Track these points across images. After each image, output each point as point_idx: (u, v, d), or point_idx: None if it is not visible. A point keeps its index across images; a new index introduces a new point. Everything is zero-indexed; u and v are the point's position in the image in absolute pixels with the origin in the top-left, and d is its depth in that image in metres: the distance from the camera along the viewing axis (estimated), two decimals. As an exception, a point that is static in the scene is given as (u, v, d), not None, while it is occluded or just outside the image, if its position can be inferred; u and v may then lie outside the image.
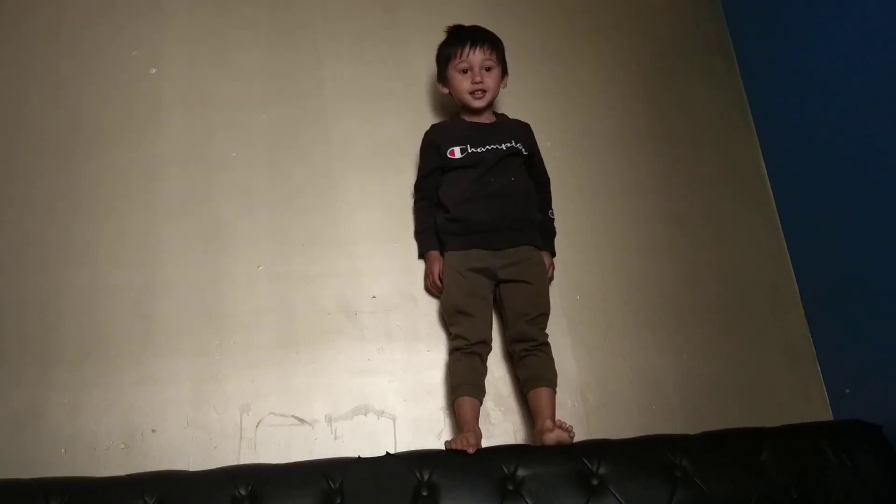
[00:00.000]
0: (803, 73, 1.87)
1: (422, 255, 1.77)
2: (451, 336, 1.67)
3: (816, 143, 1.83)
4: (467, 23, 1.90)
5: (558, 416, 1.58)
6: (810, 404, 1.78)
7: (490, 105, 1.82)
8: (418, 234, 1.78)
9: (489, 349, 1.65)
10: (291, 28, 2.03)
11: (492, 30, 1.89)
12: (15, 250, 1.72)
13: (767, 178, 2.01)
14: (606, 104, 2.04)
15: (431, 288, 1.74)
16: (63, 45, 1.94)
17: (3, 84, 1.88)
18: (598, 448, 1.49)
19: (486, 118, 1.82)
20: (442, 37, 1.88)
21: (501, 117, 1.86)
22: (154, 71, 1.93)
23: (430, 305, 1.76)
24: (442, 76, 1.84)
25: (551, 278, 1.76)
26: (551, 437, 1.48)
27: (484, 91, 1.77)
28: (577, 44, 2.11)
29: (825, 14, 1.78)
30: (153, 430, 1.58)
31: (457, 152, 1.75)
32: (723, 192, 1.98)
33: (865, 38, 1.66)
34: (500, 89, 1.85)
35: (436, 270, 1.71)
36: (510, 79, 1.89)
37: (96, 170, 1.82)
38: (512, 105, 1.97)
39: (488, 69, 1.79)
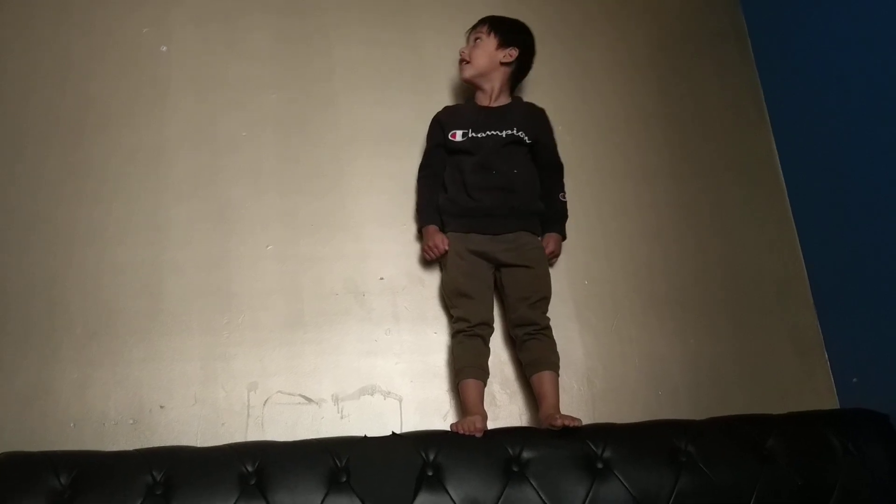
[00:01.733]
0: (819, 62, 1.86)
1: (420, 230, 1.76)
2: (453, 318, 1.67)
3: (830, 133, 1.82)
4: (479, 8, 1.91)
5: (564, 399, 1.59)
6: (817, 393, 1.77)
7: (480, 75, 1.80)
8: (420, 209, 1.77)
9: (491, 330, 1.66)
10: (302, 9, 2.02)
11: (503, 14, 1.89)
12: (24, 229, 1.73)
13: (780, 167, 2.00)
14: (617, 90, 2.03)
15: (429, 252, 1.71)
16: (73, 21, 1.93)
17: (12, 61, 1.88)
18: (603, 432, 1.49)
19: (497, 101, 1.81)
20: (453, 22, 1.91)
21: (515, 101, 1.85)
22: (164, 49, 1.93)
23: (437, 288, 1.76)
24: None
25: (555, 260, 1.76)
26: (559, 422, 1.47)
27: (467, 62, 1.81)
28: (589, 29, 2.09)
29: (842, 2, 1.76)
30: (161, 407, 1.59)
31: (458, 135, 1.76)
32: (735, 180, 1.97)
33: (883, 27, 1.64)
34: (501, 61, 1.80)
35: (437, 239, 1.69)
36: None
37: (105, 148, 1.82)
38: (522, 91, 1.96)
39: (476, 40, 1.82)
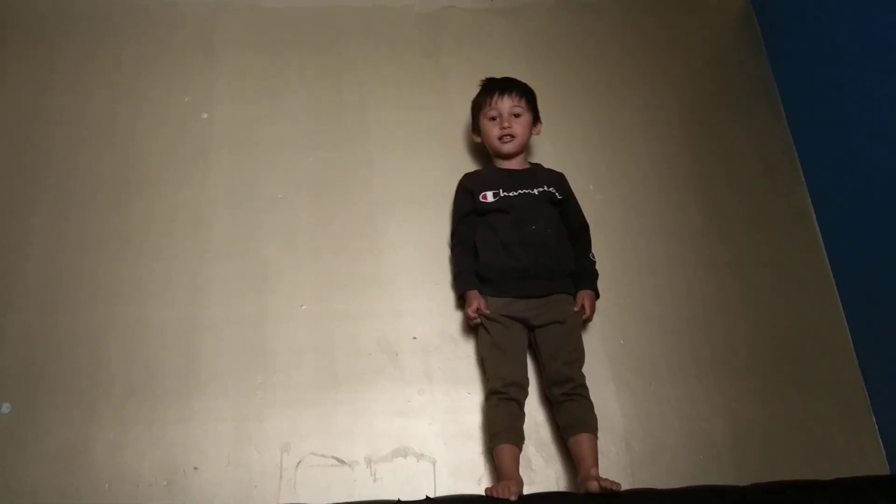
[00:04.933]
0: (851, 118, 1.85)
1: (461, 296, 1.75)
2: (487, 377, 1.66)
3: (867, 188, 1.80)
4: (510, 68, 1.95)
5: (602, 463, 1.55)
6: (865, 456, 1.71)
7: (520, 151, 1.85)
8: (457, 276, 1.78)
9: (525, 394, 1.63)
10: (338, 74, 2.08)
11: (533, 75, 1.94)
12: (67, 289, 1.77)
13: (817, 225, 1.97)
14: (648, 148, 2.04)
15: (472, 321, 1.70)
16: (120, 89, 2.02)
17: (63, 125, 1.96)
18: (644, 497, 1.45)
19: (519, 165, 1.85)
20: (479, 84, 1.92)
21: (535, 166, 1.88)
22: (206, 116, 2.00)
23: (471, 348, 1.75)
24: (475, 126, 1.90)
25: (590, 318, 1.74)
26: (597, 485, 1.44)
27: (512, 136, 1.81)
28: (619, 88, 2.12)
29: (873, 58, 1.76)
30: (195, 468, 1.59)
31: (489, 196, 1.77)
32: (771, 238, 1.95)
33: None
34: (533, 136, 1.88)
35: (474, 304, 1.68)
36: (551, 126, 1.93)
37: (147, 210, 1.87)
38: (553, 149, 1.98)
39: (517, 115, 1.82)
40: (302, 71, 2.08)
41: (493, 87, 1.86)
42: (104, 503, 1.52)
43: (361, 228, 1.88)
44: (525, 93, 1.86)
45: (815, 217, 1.99)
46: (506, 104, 1.83)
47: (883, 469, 1.70)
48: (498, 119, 1.82)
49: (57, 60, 2.05)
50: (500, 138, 1.81)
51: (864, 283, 1.82)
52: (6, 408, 1.63)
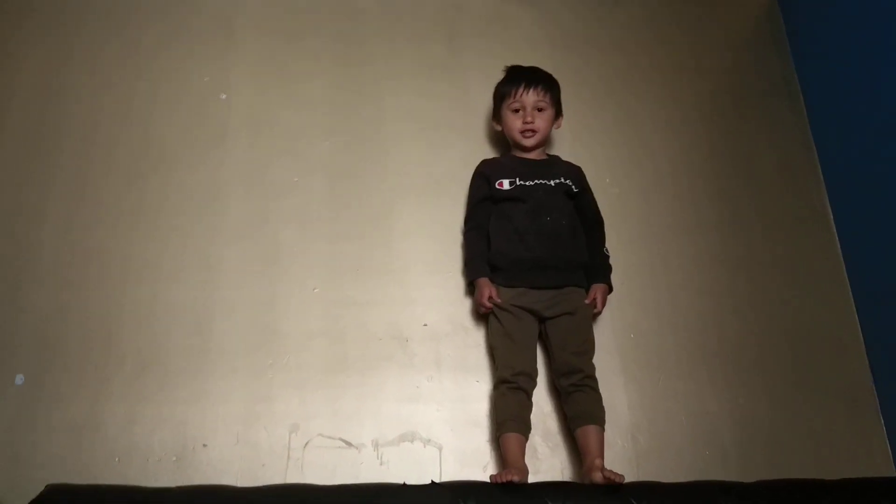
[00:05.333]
0: (874, 119, 1.83)
1: (471, 283, 1.76)
2: (496, 366, 1.66)
3: (886, 189, 1.78)
4: (529, 59, 1.93)
5: (607, 455, 1.56)
6: (872, 458, 1.71)
7: (540, 145, 1.85)
8: (468, 262, 1.78)
9: (534, 384, 1.63)
10: (355, 61, 2.08)
11: (552, 67, 1.92)
12: (81, 265, 1.79)
13: (833, 224, 1.96)
14: (666, 143, 2.03)
15: (481, 309, 1.71)
16: (138, 68, 2.03)
17: (80, 104, 1.97)
18: (648, 490, 1.44)
19: (537, 156, 1.85)
20: (500, 74, 1.91)
21: (554, 157, 1.88)
22: (224, 97, 2.00)
23: (481, 336, 1.76)
24: (496, 114, 1.89)
25: (600, 312, 1.74)
26: (601, 475, 1.45)
27: (534, 131, 1.80)
28: (638, 81, 2.11)
29: (896, 58, 1.75)
30: (204, 445, 1.61)
31: (505, 184, 1.77)
32: (786, 237, 1.94)
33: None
34: (554, 130, 1.88)
35: (486, 293, 1.69)
36: (569, 118, 1.92)
37: (162, 190, 1.88)
38: (571, 141, 1.98)
39: (540, 110, 1.82)
40: (320, 56, 2.08)
41: (518, 78, 1.84)
42: (114, 477, 1.54)
43: (375, 215, 1.89)
44: (550, 87, 1.84)
45: (831, 217, 1.97)
46: (530, 98, 1.81)
47: (889, 471, 1.70)
48: (521, 112, 1.82)
49: (76, 39, 2.06)
50: (523, 132, 1.81)
51: (879, 285, 1.81)
52: (20, 379, 1.66)
